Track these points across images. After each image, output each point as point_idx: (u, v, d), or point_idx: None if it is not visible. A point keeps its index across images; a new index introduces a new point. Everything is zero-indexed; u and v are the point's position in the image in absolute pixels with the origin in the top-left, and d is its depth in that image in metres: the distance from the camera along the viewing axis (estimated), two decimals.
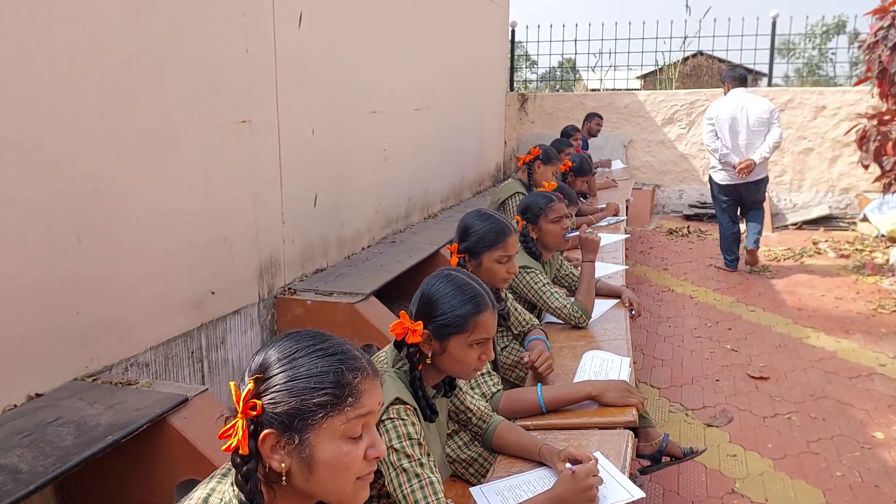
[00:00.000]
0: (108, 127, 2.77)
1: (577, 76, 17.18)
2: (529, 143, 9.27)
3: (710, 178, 6.43)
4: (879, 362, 4.28)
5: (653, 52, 21.21)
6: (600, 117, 8.07)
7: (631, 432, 1.88)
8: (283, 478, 1.08)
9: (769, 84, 9.31)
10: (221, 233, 3.52)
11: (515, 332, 2.60)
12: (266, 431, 1.08)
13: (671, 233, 8.07)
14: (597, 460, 1.66)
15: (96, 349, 2.77)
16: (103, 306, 2.79)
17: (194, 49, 3.25)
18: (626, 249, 7.19)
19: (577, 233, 4.07)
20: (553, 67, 14.13)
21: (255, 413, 1.07)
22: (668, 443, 2.83)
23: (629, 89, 10.55)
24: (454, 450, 2.17)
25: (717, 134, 6.12)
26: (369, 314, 3.83)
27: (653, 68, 13.23)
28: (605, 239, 4.24)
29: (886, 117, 6.58)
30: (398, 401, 1.56)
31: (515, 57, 9.86)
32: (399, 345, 1.67)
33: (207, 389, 2.68)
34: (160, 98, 3.05)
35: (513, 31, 9.85)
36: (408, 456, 1.50)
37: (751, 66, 14.59)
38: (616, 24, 19.12)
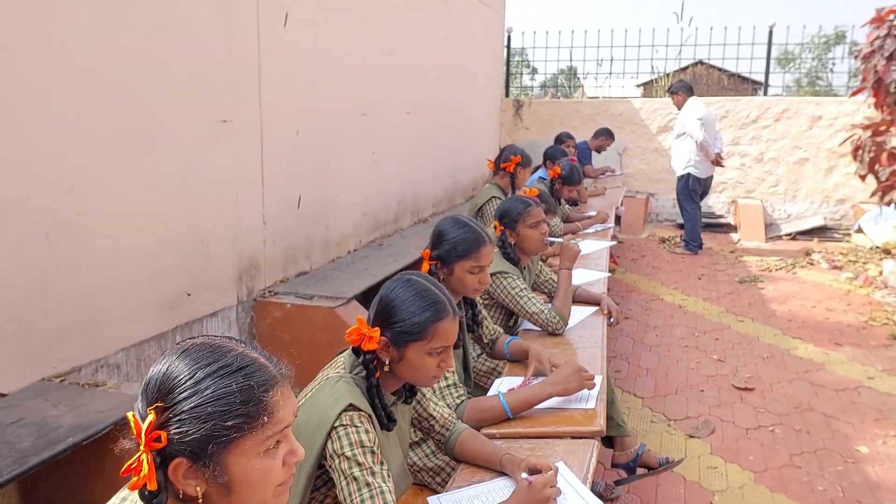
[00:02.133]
0: (82, 125, 2.73)
1: (578, 83, 17.16)
2: (524, 148, 9.25)
3: (689, 176, 7.26)
4: (868, 375, 4.23)
5: (651, 60, 21.17)
6: (613, 138, 7.95)
7: (597, 442, 1.83)
8: (200, 501, 1.01)
9: (765, 93, 9.27)
10: (199, 234, 3.47)
11: (485, 340, 2.55)
12: (176, 461, 0.99)
13: (663, 241, 8.03)
14: (556, 470, 1.61)
15: (65, 350, 2.73)
16: (73, 306, 2.75)
17: (174, 47, 3.22)
18: (617, 257, 7.20)
19: (561, 240, 4.03)
20: (554, 74, 14.07)
21: (160, 445, 0.99)
22: (643, 453, 2.78)
23: (625, 97, 10.50)
24: (421, 458, 2.12)
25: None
26: (350, 318, 3.78)
27: (652, 77, 13.23)
28: (592, 246, 4.20)
29: (882, 128, 6.55)
30: (352, 407, 1.51)
31: (514, 63, 9.83)
32: (357, 351, 1.62)
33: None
34: (138, 96, 3.01)
35: (509, 37, 9.83)
36: (359, 464, 1.45)
37: (746, 75, 14.59)
38: (612, 31, 19.10)
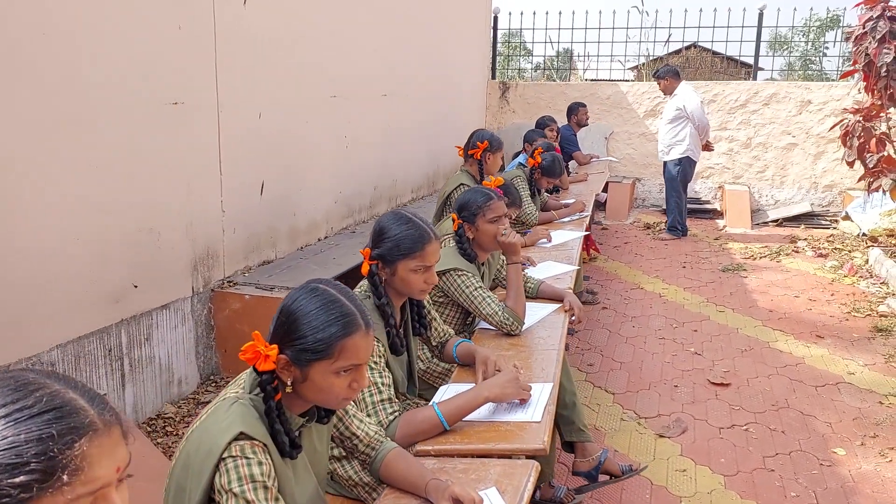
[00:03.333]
0: (3, 106, 2.54)
1: (572, 66, 16.88)
2: (510, 132, 9.04)
3: (686, 160, 7.15)
4: (848, 370, 4.10)
5: (644, 43, 20.89)
6: (584, 106, 7.79)
7: (536, 463, 1.67)
8: None
9: (753, 77, 9.07)
10: (146, 223, 3.29)
11: (434, 342, 2.39)
12: None
13: (648, 228, 7.87)
14: (481, 501, 1.46)
15: None
16: None
17: (115, 25, 3.02)
18: (600, 244, 7.04)
19: (530, 232, 3.87)
20: (551, 56, 13.77)
21: None
22: (606, 460, 2.64)
23: (612, 80, 10.30)
24: (357, 472, 1.97)
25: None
26: None
27: (645, 60, 12.98)
28: (562, 237, 4.03)
29: (872, 112, 6.39)
30: (243, 436, 1.34)
31: (510, 45, 9.56)
32: (256, 370, 1.44)
33: (106, 394, 2.46)
34: (73, 76, 2.82)
35: (495, 18, 9.59)
36: (247, 502, 1.29)
37: (739, 59, 14.34)
38: (611, 13, 18.78)
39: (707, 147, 7.33)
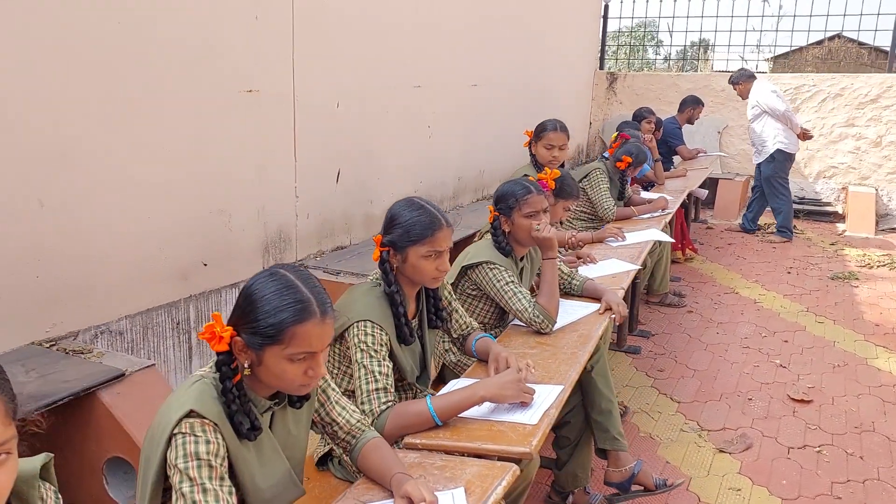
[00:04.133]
0: (75, 90, 2.72)
1: (704, 57, 16.07)
2: (614, 123, 8.75)
3: (779, 152, 6.86)
4: None
5: (781, 32, 19.58)
6: (702, 105, 7.40)
7: (515, 467, 1.61)
8: None
9: (889, 70, 8.27)
10: (216, 204, 3.45)
11: (454, 335, 2.35)
12: None
13: (759, 229, 7.39)
14: (434, 501, 1.42)
15: (59, 314, 2.77)
16: (68, 272, 2.78)
17: (189, 13, 3.17)
18: (700, 244, 6.69)
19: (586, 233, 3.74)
20: (685, 46, 13.17)
21: None
22: (640, 471, 2.51)
23: (722, 71, 9.73)
24: None
25: None
26: None
27: (785, 50, 12.18)
28: (636, 237, 3.85)
29: None
30: (193, 413, 1.37)
31: (638, 36, 9.22)
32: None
33: (154, 365, 2.61)
34: (142, 63, 2.98)
35: (606, 7, 9.30)
36: (189, 479, 1.32)
37: (886, 49, 13.12)
38: (730, 2, 17.75)
39: (804, 136, 6.95)
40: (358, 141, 4.48)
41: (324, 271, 4.01)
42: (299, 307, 1.42)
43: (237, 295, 1.49)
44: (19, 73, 2.53)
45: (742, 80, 7.07)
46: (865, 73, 8.23)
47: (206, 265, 3.44)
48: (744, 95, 7.12)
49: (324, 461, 2.11)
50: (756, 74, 7.16)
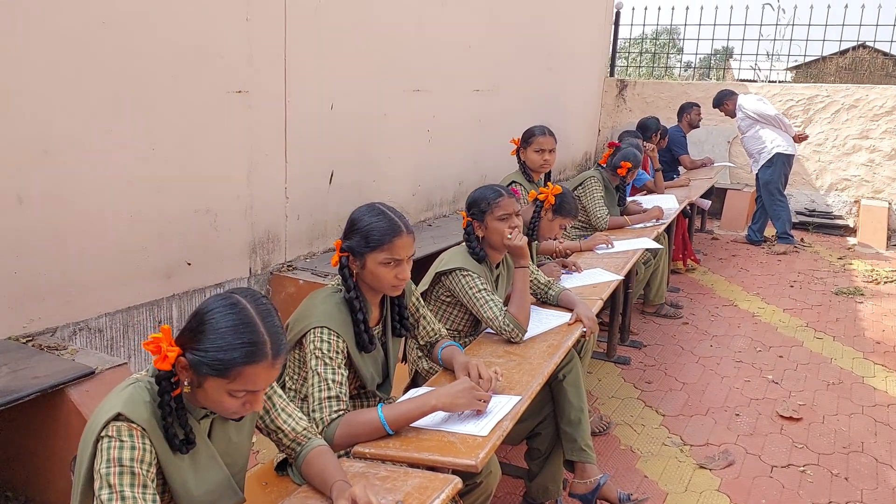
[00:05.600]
0: (60, 89, 2.74)
1: (726, 65, 15.89)
2: (624, 131, 8.68)
3: (778, 156, 6.87)
4: None
5: (808, 42, 19.34)
6: (697, 106, 7.33)
7: (457, 479, 1.58)
8: None
9: None
10: (203, 204, 3.46)
11: (421, 342, 2.33)
12: None
13: (765, 241, 7.29)
14: None
15: (38, 310, 2.79)
16: (48, 268, 2.80)
17: (176, 16, 3.17)
18: (703, 255, 6.60)
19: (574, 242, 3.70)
20: (708, 55, 13.04)
21: None
22: (605, 484, 2.47)
23: (743, 80, 9.63)
24: None
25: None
26: None
27: (809, 59, 12.01)
28: (625, 245, 3.81)
29: None
30: (121, 417, 1.35)
31: (660, 44, 9.18)
32: None
33: (126, 364, 2.61)
34: (129, 64, 2.99)
35: (617, 14, 9.24)
36: (109, 486, 1.30)
37: None
38: (762, 7, 17.54)
39: (799, 138, 7.03)
40: (353, 142, 4.47)
41: (312, 273, 4.01)
42: (252, 349, 1.37)
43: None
44: (2, 72, 2.55)
45: (726, 100, 7.15)
46: (881, 85, 8.10)
47: (189, 264, 3.45)
48: (731, 114, 7.19)
49: (283, 466, 2.09)
50: (735, 91, 7.30)
